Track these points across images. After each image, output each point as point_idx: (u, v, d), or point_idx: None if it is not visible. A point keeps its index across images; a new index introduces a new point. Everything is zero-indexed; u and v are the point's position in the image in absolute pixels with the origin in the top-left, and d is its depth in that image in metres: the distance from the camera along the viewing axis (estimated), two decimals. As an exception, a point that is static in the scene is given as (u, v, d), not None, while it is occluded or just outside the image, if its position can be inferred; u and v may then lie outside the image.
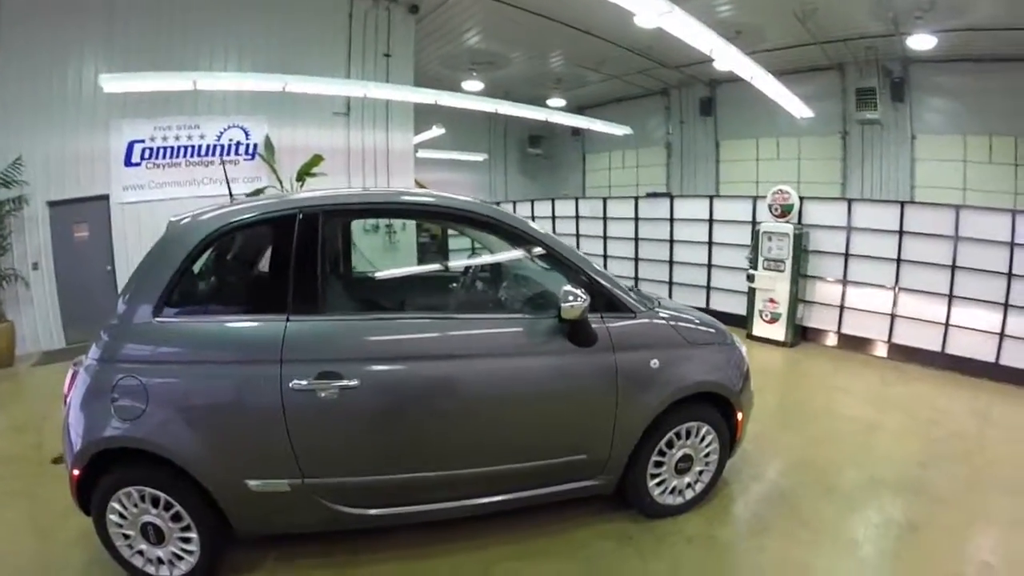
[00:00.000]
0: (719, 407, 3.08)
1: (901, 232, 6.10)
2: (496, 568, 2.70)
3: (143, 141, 7.45)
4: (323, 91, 7.55)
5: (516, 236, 2.82)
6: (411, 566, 2.73)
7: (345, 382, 2.37)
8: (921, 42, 8.66)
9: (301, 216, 2.52)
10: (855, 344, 6.60)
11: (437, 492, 2.68)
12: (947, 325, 5.80)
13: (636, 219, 8.92)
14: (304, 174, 7.38)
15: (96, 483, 2.41)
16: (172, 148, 7.62)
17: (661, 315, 2.97)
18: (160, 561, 2.52)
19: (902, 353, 6.15)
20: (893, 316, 6.23)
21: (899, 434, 4.35)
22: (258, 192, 7.34)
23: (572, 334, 2.63)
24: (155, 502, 2.42)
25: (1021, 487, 3.50)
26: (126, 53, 6.87)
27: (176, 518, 2.45)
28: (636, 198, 9.23)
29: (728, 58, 7.25)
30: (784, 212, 6.83)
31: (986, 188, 9.35)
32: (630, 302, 2.85)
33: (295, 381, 2.34)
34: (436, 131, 11.49)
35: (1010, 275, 5.34)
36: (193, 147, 7.73)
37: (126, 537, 2.48)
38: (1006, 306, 5.37)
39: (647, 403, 2.80)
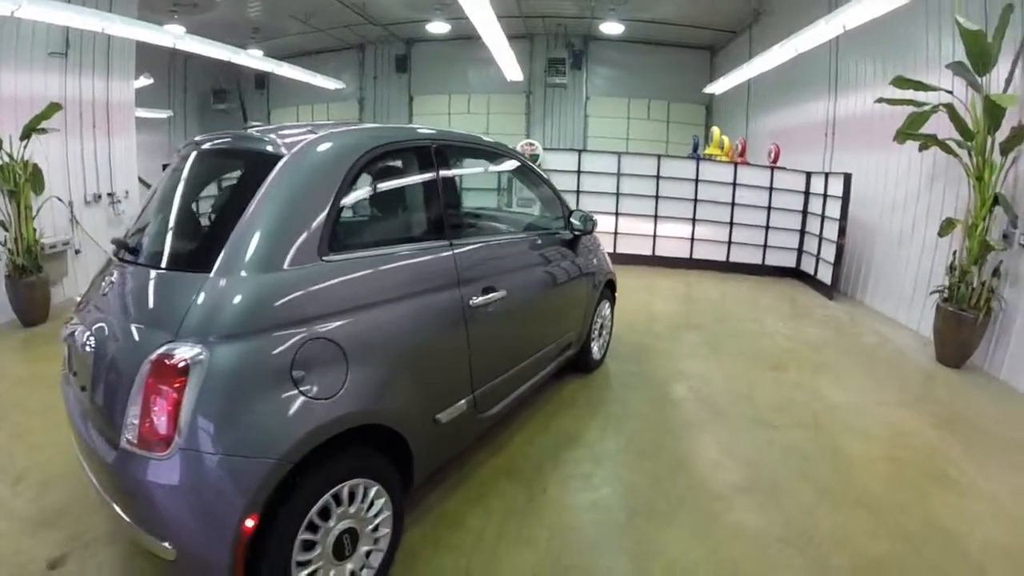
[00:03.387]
0: (608, 287, 4.94)
1: (619, 174, 9.05)
2: (552, 424, 3.79)
3: None
4: (59, 20, 6.43)
5: (535, 177, 4.08)
6: (504, 457, 3.35)
7: (500, 293, 2.94)
8: (611, 28, 12.06)
9: (435, 147, 2.80)
10: (594, 258, 9.43)
11: (523, 378, 3.41)
12: (655, 236, 9.05)
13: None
14: (32, 130, 6.32)
15: (273, 521, 1.79)
16: None
17: None
18: None
19: (625, 259, 9.20)
20: (616, 234, 9.24)
21: (661, 303, 7.15)
22: None
23: (573, 243, 4.12)
24: (351, 497, 2.05)
25: (741, 313, 6.68)
26: None
27: (370, 505, 2.16)
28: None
29: (480, 22, 8.94)
30: (532, 160, 9.11)
31: (645, 139, 13.67)
32: None
33: (473, 299, 2.73)
34: (145, 80, 10.33)
35: (696, 200, 8.82)
36: None
37: None
38: (693, 220, 8.88)
39: (594, 288, 4.49)
